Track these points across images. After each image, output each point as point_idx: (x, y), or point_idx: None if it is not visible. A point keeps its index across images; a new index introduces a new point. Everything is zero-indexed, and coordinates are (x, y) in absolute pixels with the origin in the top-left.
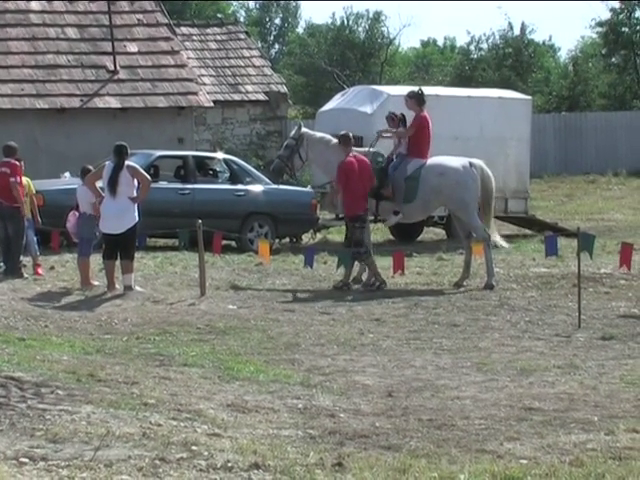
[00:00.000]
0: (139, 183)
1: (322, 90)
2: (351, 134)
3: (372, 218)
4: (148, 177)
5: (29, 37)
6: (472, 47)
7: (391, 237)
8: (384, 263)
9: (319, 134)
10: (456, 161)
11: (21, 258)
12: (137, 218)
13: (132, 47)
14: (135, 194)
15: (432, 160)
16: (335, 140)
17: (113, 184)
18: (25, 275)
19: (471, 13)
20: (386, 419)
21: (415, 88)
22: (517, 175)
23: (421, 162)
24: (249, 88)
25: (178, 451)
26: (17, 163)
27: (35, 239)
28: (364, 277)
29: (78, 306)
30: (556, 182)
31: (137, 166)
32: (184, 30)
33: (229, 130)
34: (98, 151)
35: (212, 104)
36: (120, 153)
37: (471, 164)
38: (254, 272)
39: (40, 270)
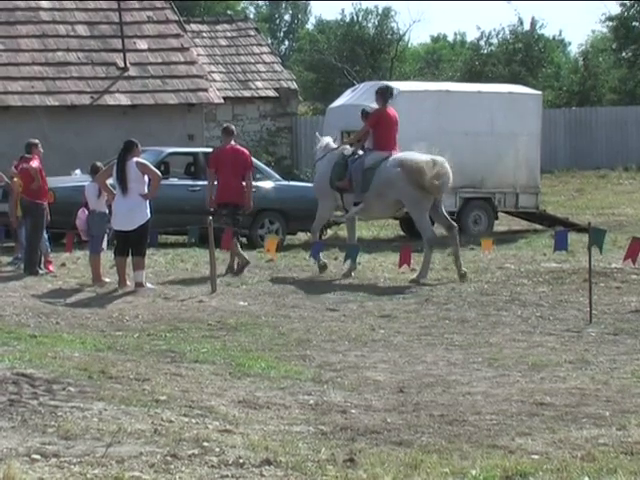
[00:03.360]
0: (150, 180)
1: (332, 86)
2: (233, 127)
3: (340, 213)
4: (158, 173)
5: (39, 34)
6: (482, 42)
7: (402, 233)
8: (394, 259)
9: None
10: (418, 157)
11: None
12: (149, 215)
13: (142, 44)
14: (146, 191)
15: (397, 154)
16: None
17: (122, 180)
18: (41, 272)
19: (481, 8)
20: (397, 415)
21: (386, 84)
22: (527, 170)
23: (383, 155)
24: (259, 84)
25: (189, 447)
26: (34, 157)
27: (46, 236)
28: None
29: (89, 303)
30: (567, 177)
31: (147, 162)
32: (194, 27)
33: (239, 126)
34: (108, 148)
35: (222, 101)
36: (125, 148)
37: (434, 162)
38: (265, 268)
39: (51, 267)
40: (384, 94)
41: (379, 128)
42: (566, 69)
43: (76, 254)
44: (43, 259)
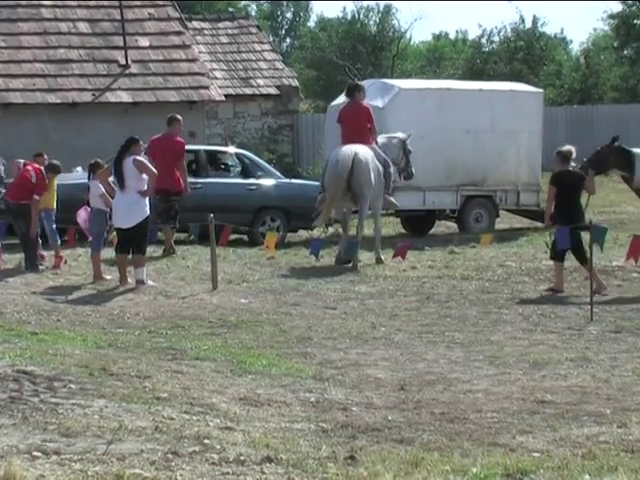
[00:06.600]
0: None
1: (333, 84)
2: (179, 116)
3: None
4: (155, 171)
5: (41, 31)
6: (484, 40)
7: (403, 231)
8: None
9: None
10: (343, 149)
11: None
12: (147, 212)
13: (143, 41)
14: (145, 188)
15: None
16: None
17: (119, 178)
18: (41, 268)
19: (483, 6)
20: (398, 412)
21: (354, 82)
22: (529, 168)
23: (336, 148)
24: (260, 82)
25: (190, 445)
26: (42, 171)
27: (56, 232)
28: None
29: (90, 300)
30: None
31: (144, 160)
32: (195, 24)
33: (241, 124)
34: (110, 145)
35: (224, 98)
36: (124, 145)
37: (338, 153)
38: (266, 266)
39: (59, 264)
40: (348, 91)
41: (343, 124)
42: (567, 67)
43: (77, 251)
44: (55, 255)
